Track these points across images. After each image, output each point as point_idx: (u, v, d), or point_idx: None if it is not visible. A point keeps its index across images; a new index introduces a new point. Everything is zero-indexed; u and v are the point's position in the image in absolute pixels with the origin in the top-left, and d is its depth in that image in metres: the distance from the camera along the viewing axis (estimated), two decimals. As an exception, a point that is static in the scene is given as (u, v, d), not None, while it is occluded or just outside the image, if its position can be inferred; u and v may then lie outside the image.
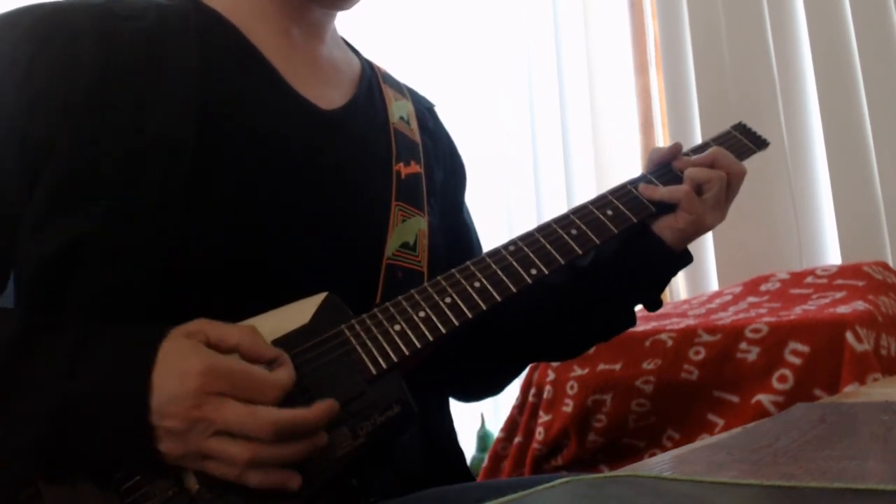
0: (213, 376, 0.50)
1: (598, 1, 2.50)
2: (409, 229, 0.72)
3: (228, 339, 0.54)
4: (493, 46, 2.40)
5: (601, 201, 0.74)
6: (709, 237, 2.07)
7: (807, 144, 2.01)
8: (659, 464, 0.45)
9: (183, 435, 0.50)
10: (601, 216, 0.72)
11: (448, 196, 0.85)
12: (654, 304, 0.81)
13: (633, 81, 2.47)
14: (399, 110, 0.81)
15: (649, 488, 0.39)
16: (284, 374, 0.53)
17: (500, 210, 2.24)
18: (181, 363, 0.51)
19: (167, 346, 0.52)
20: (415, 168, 0.77)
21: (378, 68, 0.86)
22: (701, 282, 2.15)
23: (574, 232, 0.70)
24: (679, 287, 2.25)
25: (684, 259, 0.79)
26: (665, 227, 0.76)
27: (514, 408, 1.64)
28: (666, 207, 0.76)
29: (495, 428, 1.86)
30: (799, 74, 2.03)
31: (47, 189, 0.59)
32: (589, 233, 0.71)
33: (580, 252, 0.69)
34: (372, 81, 0.82)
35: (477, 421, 2.02)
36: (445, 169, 0.87)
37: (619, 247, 0.78)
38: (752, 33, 2.10)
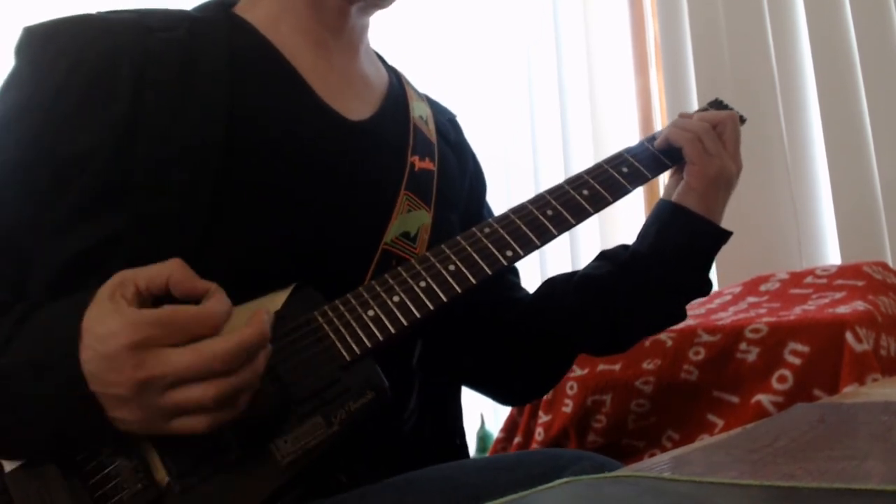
0: (139, 329, 0.49)
1: (598, 1, 2.50)
2: (412, 220, 0.72)
3: (158, 278, 0.53)
4: (493, 46, 2.40)
5: (577, 181, 0.73)
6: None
7: (807, 144, 2.01)
8: (658, 464, 0.45)
9: (135, 399, 0.49)
10: (577, 196, 0.71)
11: (472, 204, 0.87)
12: (702, 286, 0.79)
13: (633, 81, 2.47)
14: (419, 110, 0.82)
15: (649, 488, 0.39)
16: (217, 303, 0.52)
17: (500, 210, 2.24)
18: (104, 326, 0.50)
19: (91, 311, 0.51)
20: (429, 164, 0.78)
21: (402, 75, 0.88)
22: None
23: (550, 213, 0.69)
24: (679, 287, 2.25)
25: (718, 231, 0.77)
26: (683, 196, 0.76)
27: (514, 408, 1.64)
28: (658, 167, 0.76)
29: (495, 428, 1.86)
30: (799, 74, 2.03)
31: (76, 195, 0.61)
32: (565, 213, 0.70)
33: (556, 232, 0.68)
34: (397, 89, 0.83)
35: (477, 421, 2.02)
36: (470, 179, 0.88)
37: (655, 234, 0.77)
38: (752, 33, 2.10)
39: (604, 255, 0.82)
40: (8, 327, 0.53)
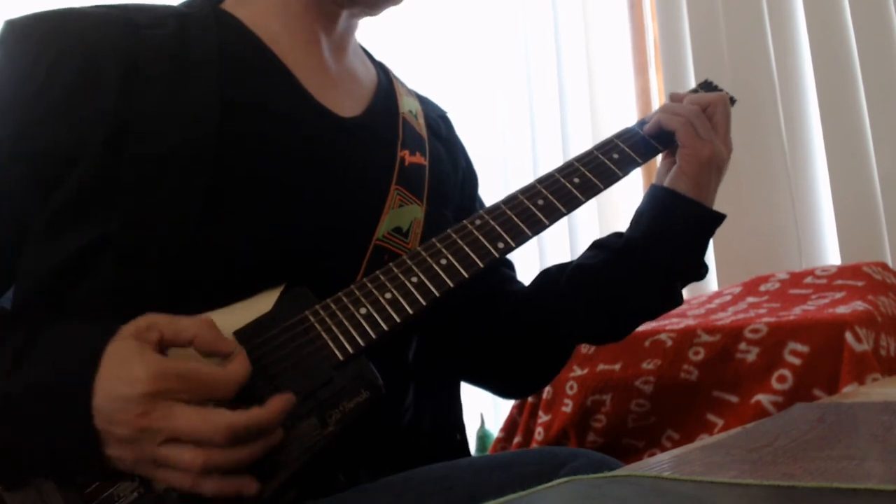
0: (161, 380, 0.49)
1: (598, 1, 2.50)
2: (404, 215, 0.72)
3: (185, 333, 0.53)
4: (492, 46, 2.40)
5: (568, 168, 0.73)
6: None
7: (806, 144, 2.01)
8: (658, 464, 0.45)
9: (133, 443, 0.49)
10: (568, 184, 0.71)
11: (465, 199, 0.86)
12: (698, 270, 0.78)
13: (633, 81, 2.47)
14: (408, 104, 0.82)
15: (649, 488, 0.39)
16: (239, 367, 0.53)
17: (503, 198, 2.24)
18: (127, 368, 0.50)
19: (114, 347, 0.51)
20: (420, 159, 0.77)
21: (390, 70, 0.87)
22: (700, 282, 2.15)
23: (541, 202, 0.69)
24: (678, 287, 2.25)
25: (712, 214, 0.76)
26: (675, 180, 0.76)
27: (514, 408, 1.65)
28: (648, 152, 0.76)
29: (495, 428, 1.86)
30: (799, 74, 2.03)
31: (66, 195, 0.60)
32: (556, 202, 0.69)
33: (547, 222, 0.68)
34: (386, 84, 0.83)
35: (477, 421, 2.02)
36: (462, 174, 0.88)
37: (648, 220, 0.77)
38: (751, 33, 2.10)
39: (597, 244, 0.81)
40: (19, 344, 0.53)
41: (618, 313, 0.80)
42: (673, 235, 0.76)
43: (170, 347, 0.53)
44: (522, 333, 0.82)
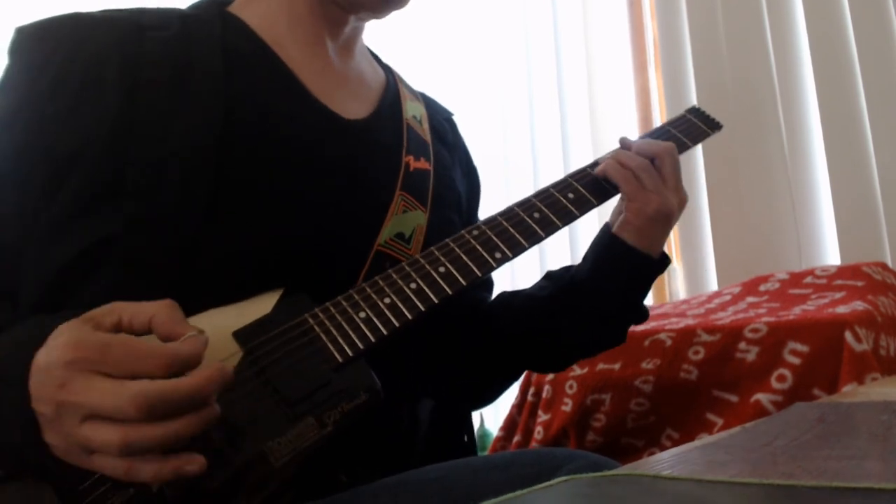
0: (80, 349, 0.45)
1: (598, 1, 2.50)
2: (407, 221, 0.72)
3: (142, 315, 0.49)
4: (492, 46, 2.40)
5: (562, 184, 0.75)
6: (708, 237, 2.08)
7: (806, 145, 2.01)
8: (658, 463, 0.45)
9: (56, 422, 0.46)
10: (563, 199, 0.73)
11: (462, 208, 0.86)
12: (636, 314, 0.79)
13: (633, 81, 2.47)
14: (413, 109, 0.82)
15: (648, 487, 0.39)
16: (182, 345, 0.47)
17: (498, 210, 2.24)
18: (52, 340, 0.47)
19: (60, 327, 0.48)
20: (424, 164, 0.78)
21: (397, 74, 0.88)
22: (700, 282, 2.16)
23: (537, 216, 0.71)
24: (678, 287, 2.25)
25: (654, 264, 0.76)
26: (621, 228, 0.76)
27: (513, 407, 1.65)
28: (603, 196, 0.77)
29: (494, 427, 1.86)
30: (798, 74, 2.03)
31: (70, 195, 0.60)
32: (551, 216, 0.71)
33: (543, 235, 0.70)
34: (393, 88, 0.83)
35: (476, 420, 2.02)
36: (467, 180, 0.88)
37: (591, 262, 0.77)
38: (751, 33, 2.10)
39: (549, 276, 0.83)
40: None
41: (556, 347, 0.82)
42: (611, 282, 0.76)
43: (129, 332, 0.49)
44: (472, 356, 0.82)
